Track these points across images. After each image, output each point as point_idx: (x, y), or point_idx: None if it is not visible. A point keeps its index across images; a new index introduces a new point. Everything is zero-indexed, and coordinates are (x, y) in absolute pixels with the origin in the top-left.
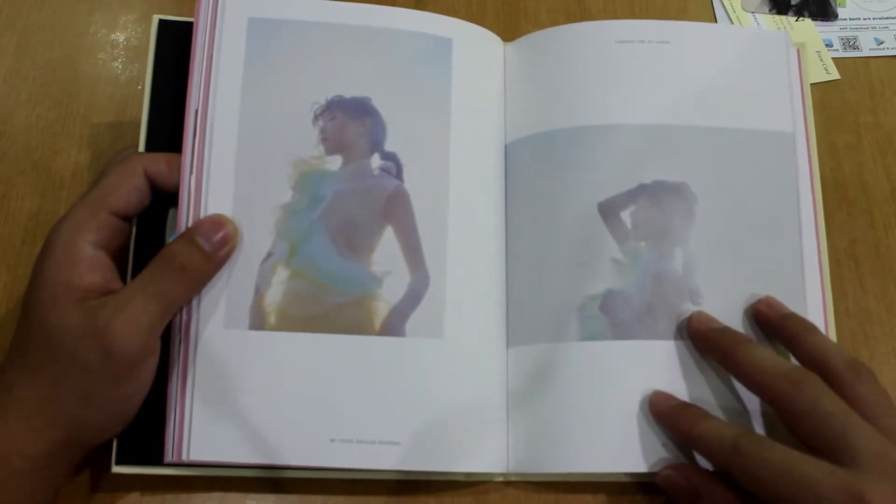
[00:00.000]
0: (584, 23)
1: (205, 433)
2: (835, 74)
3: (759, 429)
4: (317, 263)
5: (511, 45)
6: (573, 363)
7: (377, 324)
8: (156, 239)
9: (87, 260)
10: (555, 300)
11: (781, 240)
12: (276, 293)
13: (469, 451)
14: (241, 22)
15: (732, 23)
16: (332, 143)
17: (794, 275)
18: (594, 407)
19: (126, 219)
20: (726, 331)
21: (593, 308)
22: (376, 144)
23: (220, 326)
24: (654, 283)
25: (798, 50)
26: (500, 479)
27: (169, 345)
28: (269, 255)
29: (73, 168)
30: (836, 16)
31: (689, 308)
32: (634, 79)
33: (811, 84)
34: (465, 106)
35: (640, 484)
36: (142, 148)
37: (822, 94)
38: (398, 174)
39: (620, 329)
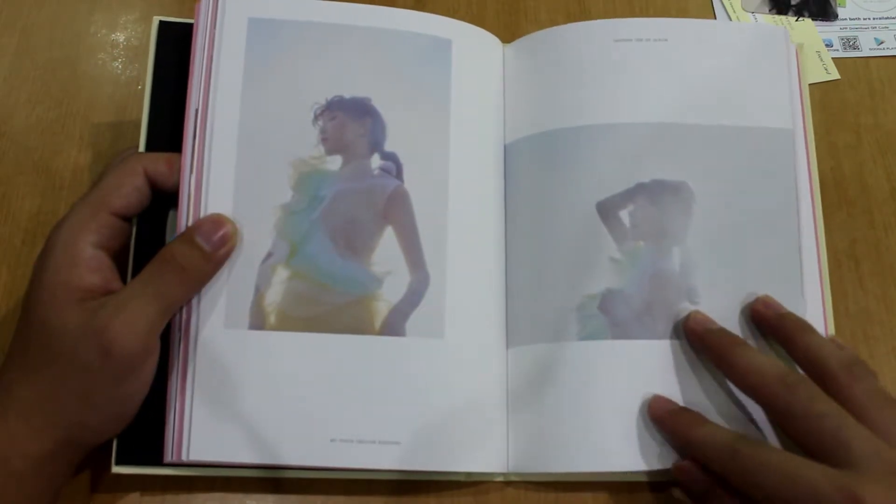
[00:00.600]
0: (581, 22)
1: (204, 433)
2: (835, 74)
3: (758, 428)
4: (317, 263)
5: (510, 47)
6: (572, 363)
7: (377, 324)
8: (156, 239)
9: (88, 260)
10: (554, 300)
11: (780, 238)
12: (277, 293)
13: (469, 451)
14: (241, 22)
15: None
16: (332, 143)
17: (793, 273)
18: (593, 406)
19: (126, 219)
20: (722, 332)
21: (592, 307)
22: (376, 144)
23: (220, 326)
24: (652, 282)
25: (797, 49)
26: (500, 479)
27: (169, 344)
28: (270, 254)
29: (73, 168)
30: (836, 16)
31: (686, 307)
32: (633, 77)
33: (812, 84)
34: (465, 106)
35: (641, 484)
36: (142, 148)
37: (822, 94)
38: (398, 174)
39: (619, 328)
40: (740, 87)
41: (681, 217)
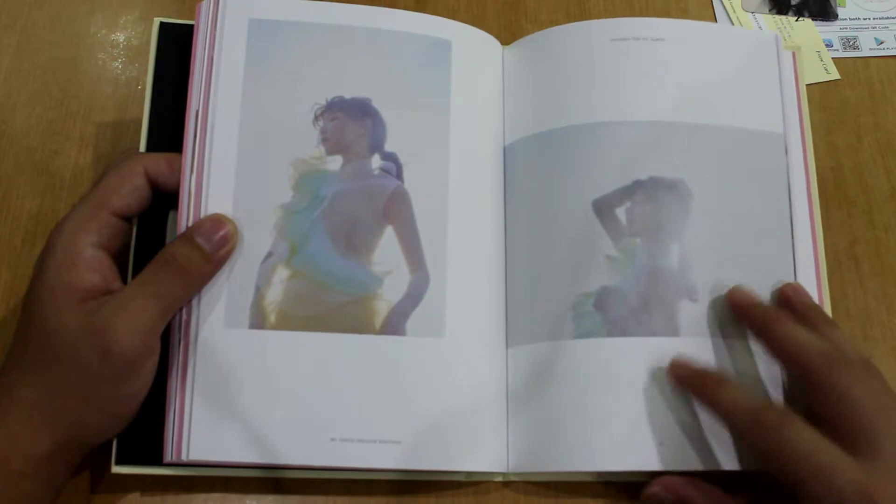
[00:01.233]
0: (578, 23)
1: (204, 433)
2: (835, 74)
3: None
4: (317, 263)
5: (509, 49)
6: (569, 361)
7: (378, 323)
8: (156, 239)
9: (88, 261)
10: (551, 299)
11: (774, 239)
12: (277, 293)
13: (469, 451)
14: (241, 23)
15: (732, 23)
16: (333, 144)
17: (787, 276)
18: (591, 405)
19: (127, 219)
20: (767, 306)
21: (588, 305)
22: (376, 145)
23: (220, 325)
24: (649, 279)
25: (794, 53)
26: (500, 479)
27: (169, 344)
28: (270, 254)
29: (73, 168)
30: (836, 16)
31: (686, 305)
32: (630, 75)
33: (812, 84)
34: (465, 107)
35: (641, 484)
36: (142, 149)
37: (822, 94)
38: (398, 174)
39: (615, 326)
40: (733, 91)
41: (678, 214)
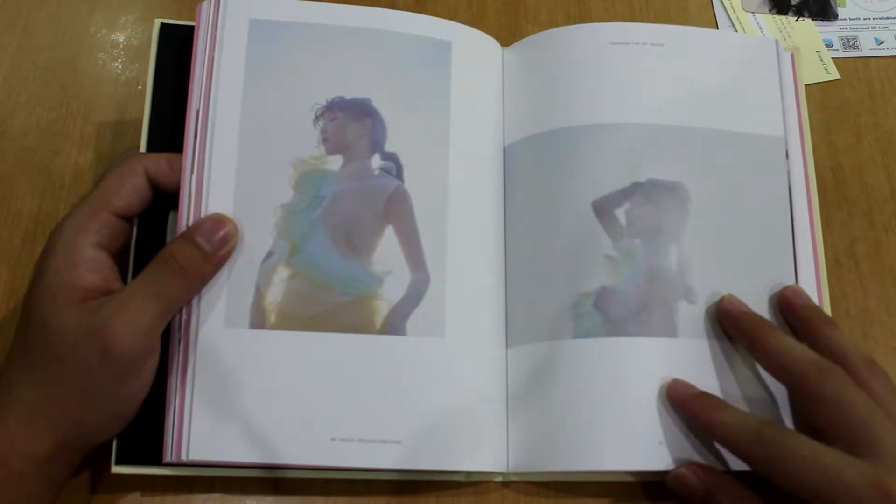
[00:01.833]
0: (578, 25)
1: (204, 432)
2: (835, 74)
3: None
4: (317, 263)
5: (509, 50)
6: (568, 361)
7: (378, 323)
8: (157, 239)
9: (88, 261)
10: (551, 298)
11: (774, 242)
12: (277, 292)
13: (469, 451)
14: (242, 23)
15: (732, 23)
16: (333, 144)
17: (788, 279)
18: (591, 405)
19: (127, 219)
20: (756, 316)
21: (587, 305)
22: (377, 145)
23: (220, 325)
24: (648, 279)
25: (792, 55)
26: (500, 479)
27: (168, 344)
28: (270, 254)
29: (73, 168)
30: (836, 16)
31: (684, 306)
32: (629, 79)
33: (812, 84)
34: (465, 108)
35: (642, 484)
36: (143, 149)
37: (822, 94)
38: (398, 175)
39: (614, 326)
40: (733, 95)
41: (677, 216)
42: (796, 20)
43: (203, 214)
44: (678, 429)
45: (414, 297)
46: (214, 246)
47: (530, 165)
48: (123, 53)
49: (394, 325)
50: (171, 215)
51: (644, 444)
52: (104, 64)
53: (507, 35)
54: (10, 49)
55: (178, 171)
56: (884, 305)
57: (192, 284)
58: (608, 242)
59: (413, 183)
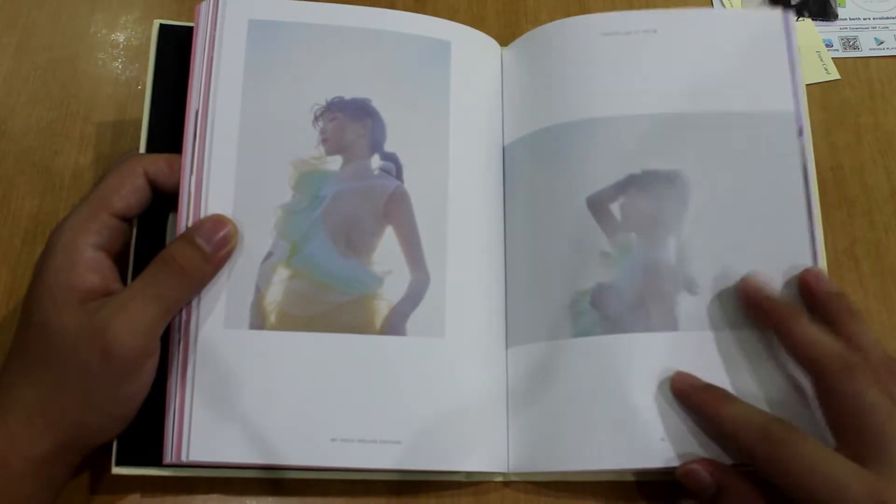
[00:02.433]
0: (569, 18)
1: (204, 433)
2: (835, 74)
3: None
4: (317, 263)
5: (508, 50)
6: (567, 361)
7: (378, 323)
8: (156, 240)
9: (88, 261)
10: (549, 298)
11: (790, 225)
12: (277, 293)
13: (470, 451)
14: (241, 24)
15: None
16: (333, 144)
17: (805, 262)
18: (590, 403)
19: (127, 220)
20: (781, 300)
21: (584, 303)
22: (376, 145)
23: (220, 326)
24: (645, 274)
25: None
26: (500, 479)
27: (168, 344)
28: (270, 254)
29: (73, 168)
30: (836, 16)
31: (685, 298)
32: (623, 70)
33: (812, 84)
34: (464, 108)
35: (642, 484)
36: (142, 150)
37: (822, 94)
38: (398, 175)
39: (612, 323)
40: (736, 74)
41: (675, 206)
42: (796, 20)
43: (203, 215)
44: (680, 425)
45: (414, 297)
46: (214, 246)
47: (529, 164)
48: (123, 53)
49: (394, 325)
50: (171, 216)
51: (645, 442)
52: (104, 64)
53: (508, 35)
54: (10, 49)
55: (177, 171)
56: (884, 305)
57: (193, 285)
58: (603, 238)
59: (413, 183)
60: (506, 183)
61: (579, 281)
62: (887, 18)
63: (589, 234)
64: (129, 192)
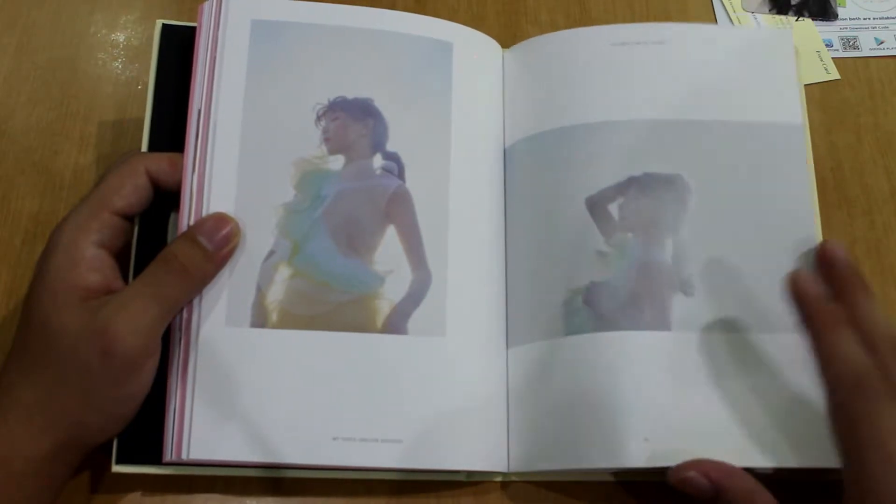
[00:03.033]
0: (578, 28)
1: (204, 432)
2: (835, 74)
3: (751, 419)
4: (319, 262)
5: (509, 52)
6: (562, 359)
7: (379, 322)
8: (158, 239)
9: (89, 260)
10: (546, 297)
11: (796, 232)
12: (278, 291)
13: (470, 450)
14: (244, 24)
15: (732, 22)
16: (335, 144)
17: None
18: (584, 402)
19: (128, 218)
20: (832, 308)
21: (577, 302)
22: (378, 145)
23: (221, 324)
24: (640, 273)
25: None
26: (500, 479)
27: (169, 343)
28: (272, 253)
29: (73, 168)
30: (836, 16)
31: (680, 299)
32: (629, 77)
33: (812, 84)
34: (466, 108)
35: (642, 485)
36: (144, 148)
37: (822, 94)
38: (400, 174)
39: (603, 321)
40: (743, 86)
41: (674, 208)
42: (796, 20)
43: (204, 213)
44: (669, 423)
45: (415, 296)
46: (216, 245)
47: (529, 166)
48: (123, 53)
49: (395, 324)
50: (172, 215)
51: (643, 442)
52: (104, 64)
53: (508, 35)
54: (10, 49)
55: (179, 170)
56: (884, 305)
57: (194, 284)
58: (600, 238)
59: (414, 183)
60: (506, 184)
61: (574, 279)
62: (887, 18)
63: (586, 233)
64: (130, 190)
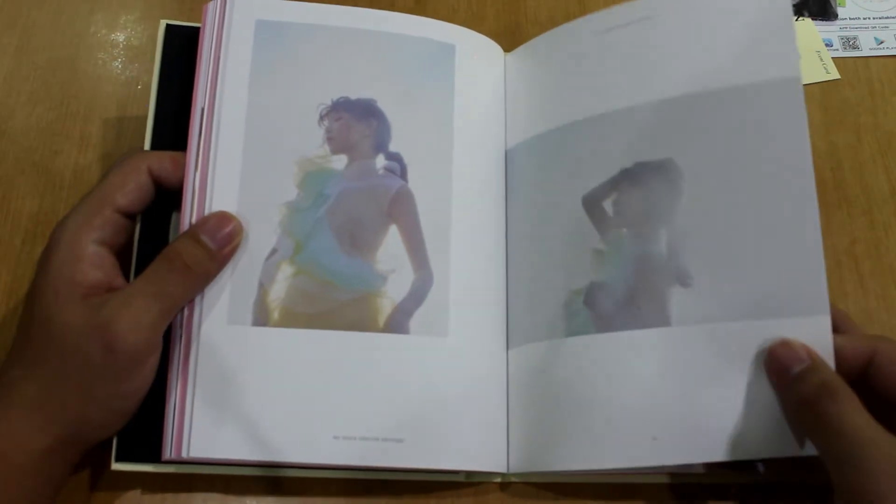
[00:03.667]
0: (565, 24)
1: (205, 430)
2: (835, 74)
3: (758, 417)
4: (321, 261)
5: (511, 55)
6: (563, 361)
7: (381, 321)
8: (160, 237)
9: (91, 257)
10: (546, 298)
11: (794, 206)
12: (281, 290)
13: (470, 451)
14: (248, 24)
15: None
16: (338, 143)
17: (815, 241)
18: (585, 403)
19: (130, 216)
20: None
21: (578, 303)
22: (381, 145)
23: (222, 322)
24: (636, 268)
25: None
26: (500, 479)
27: (170, 340)
28: (274, 251)
29: (73, 168)
30: (836, 15)
31: (678, 291)
32: (619, 64)
33: (812, 84)
34: (468, 109)
35: (642, 485)
36: (147, 147)
37: (822, 94)
38: (402, 174)
39: (604, 321)
40: (738, 46)
41: (666, 196)
42: (796, 20)
43: (207, 212)
44: (673, 422)
45: (417, 295)
46: (219, 243)
47: (530, 167)
48: (123, 53)
49: (397, 323)
50: (174, 213)
51: (643, 443)
52: (104, 64)
53: (507, 34)
54: (10, 49)
55: (181, 168)
56: (884, 305)
57: (197, 282)
58: (596, 236)
59: (417, 183)
60: (508, 186)
61: (574, 280)
62: (887, 18)
63: (584, 233)
64: (132, 188)
